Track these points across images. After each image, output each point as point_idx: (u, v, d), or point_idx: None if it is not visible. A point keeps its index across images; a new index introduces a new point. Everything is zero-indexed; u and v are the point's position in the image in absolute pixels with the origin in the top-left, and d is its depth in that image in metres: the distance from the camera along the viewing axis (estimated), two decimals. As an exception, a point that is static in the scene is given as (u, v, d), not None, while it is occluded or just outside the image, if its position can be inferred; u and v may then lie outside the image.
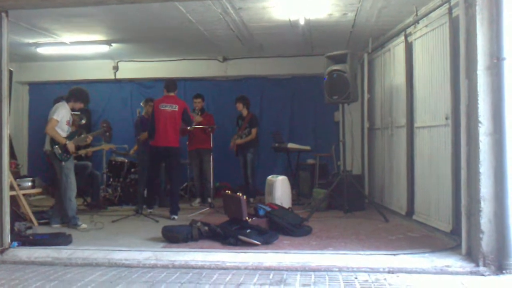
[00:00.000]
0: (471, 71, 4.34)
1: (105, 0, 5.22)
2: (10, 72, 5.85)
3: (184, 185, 9.70)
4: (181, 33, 8.03)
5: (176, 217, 7.28)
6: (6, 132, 5.19)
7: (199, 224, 5.70)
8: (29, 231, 5.86)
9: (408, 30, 7.02)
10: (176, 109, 7.45)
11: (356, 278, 4.06)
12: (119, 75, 10.65)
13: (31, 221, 6.62)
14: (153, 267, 4.51)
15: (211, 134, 8.56)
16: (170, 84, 7.70)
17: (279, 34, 8.12)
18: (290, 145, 8.97)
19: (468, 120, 4.41)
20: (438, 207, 5.95)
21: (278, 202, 7.31)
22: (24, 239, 5.37)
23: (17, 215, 6.53)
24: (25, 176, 8.38)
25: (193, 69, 10.45)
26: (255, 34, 8.22)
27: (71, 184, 6.54)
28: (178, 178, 7.86)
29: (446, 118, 5.65)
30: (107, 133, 7.61)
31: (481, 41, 4.25)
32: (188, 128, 8.19)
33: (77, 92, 6.85)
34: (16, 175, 7.89)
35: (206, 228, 5.67)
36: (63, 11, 6.40)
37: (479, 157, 4.21)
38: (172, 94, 7.62)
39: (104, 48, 9.08)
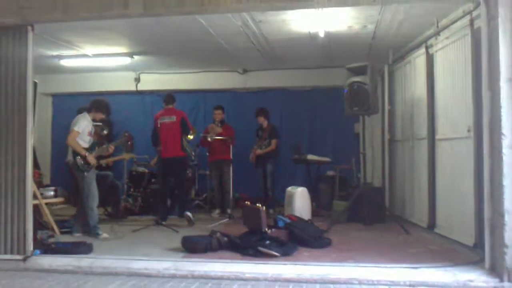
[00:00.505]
0: (494, 83, 4.30)
1: (126, 13, 5.27)
2: (35, 84, 5.99)
3: (204, 196, 9.76)
4: (201, 46, 8.12)
5: (189, 213, 7.49)
6: (30, 142, 5.31)
7: (218, 234, 5.71)
8: (51, 240, 5.94)
9: (429, 42, 6.98)
10: (174, 120, 7.84)
11: (376, 291, 4.03)
12: (141, 87, 10.79)
13: (53, 229, 6.71)
14: (173, 277, 4.54)
15: (231, 146, 8.60)
16: (168, 97, 8.14)
17: (299, 46, 8.15)
18: (310, 157, 8.92)
19: (491, 132, 4.35)
20: (460, 220, 5.85)
21: (297, 213, 7.25)
22: (46, 247, 5.46)
23: (39, 223, 6.61)
24: (48, 186, 8.48)
25: (214, 81, 10.52)
26: (275, 47, 8.26)
27: (93, 194, 6.63)
28: (182, 182, 8.08)
29: (468, 131, 5.57)
30: (129, 143, 7.71)
31: (504, 52, 4.21)
32: (209, 139, 8.33)
33: (98, 103, 6.98)
34: (39, 184, 8.00)
35: (226, 238, 5.67)
36: (86, 24, 6.52)
37: (502, 170, 4.15)
38: (170, 106, 8.04)
39: (126, 60, 9.22)
